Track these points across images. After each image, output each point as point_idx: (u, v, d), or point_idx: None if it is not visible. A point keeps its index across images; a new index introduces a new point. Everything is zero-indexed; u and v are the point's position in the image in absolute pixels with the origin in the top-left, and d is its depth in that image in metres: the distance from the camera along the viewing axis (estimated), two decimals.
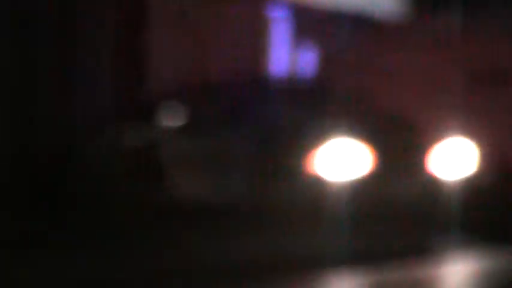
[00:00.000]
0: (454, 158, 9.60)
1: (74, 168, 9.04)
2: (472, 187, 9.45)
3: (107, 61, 9.63)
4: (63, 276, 5.68)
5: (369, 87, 10.68)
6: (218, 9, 10.55)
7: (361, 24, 12.29)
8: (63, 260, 6.17)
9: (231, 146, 9.27)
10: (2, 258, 5.82)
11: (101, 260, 6.31)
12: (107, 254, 6.58)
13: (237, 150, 9.17)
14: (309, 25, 12.02)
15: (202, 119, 9.72)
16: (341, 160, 8.74)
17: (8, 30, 8.58)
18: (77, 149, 9.14)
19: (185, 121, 9.67)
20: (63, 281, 5.60)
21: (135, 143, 9.17)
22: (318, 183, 8.67)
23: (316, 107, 9.80)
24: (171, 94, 10.15)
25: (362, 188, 8.70)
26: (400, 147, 9.27)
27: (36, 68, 8.93)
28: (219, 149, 9.28)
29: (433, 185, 9.12)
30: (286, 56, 11.72)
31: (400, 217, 8.25)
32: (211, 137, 9.47)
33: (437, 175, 9.23)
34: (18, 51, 8.66)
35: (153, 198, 8.81)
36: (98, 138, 9.21)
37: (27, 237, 7.03)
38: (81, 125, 9.01)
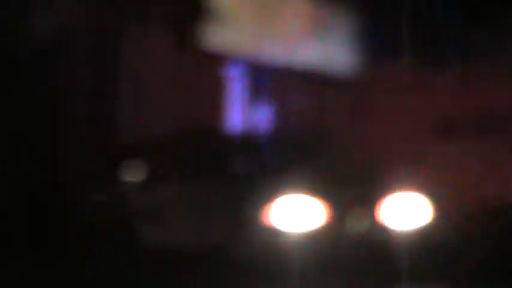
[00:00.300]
0: (406, 211, 9.94)
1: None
2: (424, 239, 9.76)
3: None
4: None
5: (324, 141, 11.07)
6: (185, 67, 11.03)
7: (318, 79, 12.72)
8: None
9: (187, 199, 9.62)
10: None
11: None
12: None
13: (192, 203, 9.53)
14: (263, 82, 12.45)
15: (163, 174, 10.08)
16: (295, 213, 9.06)
17: None
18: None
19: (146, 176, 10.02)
20: None
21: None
22: (273, 234, 8.97)
23: (273, 161, 10.16)
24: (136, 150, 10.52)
25: (315, 240, 9.02)
26: (354, 200, 9.62)
27: None
28: (177, 201, 9.64)
29: (383, 236, 9.44)
30: (243, 111, 12.12)
31: (353, 268, 8.54)
32: (170, 190, 9.80)
33: (388, 227, 9.56)
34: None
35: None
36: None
37: None
38: None
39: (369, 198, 9.82)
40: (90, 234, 9.01)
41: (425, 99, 12.23)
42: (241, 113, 12.07)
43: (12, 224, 8.58)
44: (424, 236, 9.75)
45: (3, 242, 8.21)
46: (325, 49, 12.76)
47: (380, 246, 9.38)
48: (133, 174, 9.87)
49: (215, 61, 11.60)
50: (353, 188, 9.80)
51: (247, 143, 11.34)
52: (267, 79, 12.48)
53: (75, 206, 9.42)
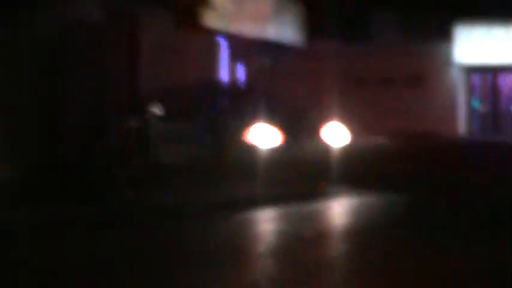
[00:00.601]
0: (335, 134, 14.80)
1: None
2: (347, 153, 14.64)
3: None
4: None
5: (280, 91, 16.54)
6: (186, 40, 15.99)
7: (276, 48, 18.25)
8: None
9: (191, 128, 14.51)
10: None
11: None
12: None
13: (195, 130, 14.42)
14: (241, 49, 17.80)
15: (174, 111, 14.86)
16: (264, 135, 13.95)
17: None
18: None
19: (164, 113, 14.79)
20: None
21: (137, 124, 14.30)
22: (249, 149, 13.75)
23: (248, 103, 15.13)
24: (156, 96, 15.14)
25: (278, 153, 13.92)
26: (301, 128, 14.59)
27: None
28: (184, 129, 14.49)
29: (324, 150, 14.31)
30: (227, 69, 17.33)
31: (302, 172, 13.31)
32: (179, 122, 14.60)
33: (327, 144, 14.41)
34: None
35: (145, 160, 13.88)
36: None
37: None
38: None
39: (311, 126, 14.82)
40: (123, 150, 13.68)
41: (344, 64, 18.57)
42: (225, 71, 17.18)
43: None
44: (346, 150, 14.74)
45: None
46: (278, 27, 18.05)
47: (320, 156, 14.25)
48: (154, 111, 14.59)
49: (208, 34, 16.55)
50: (300, 121, 14.83)
51: (231, 91, 16.36)
52: (242, 47, 17.60)
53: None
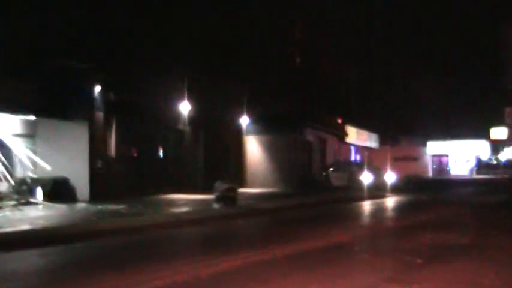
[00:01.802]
0: (391, 175, 46.16)
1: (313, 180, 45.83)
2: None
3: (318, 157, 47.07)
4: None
5: (371, 162, 49.61)
6: (337, 144, 48.77)
7: (369, 149, 52.88)
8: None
9: (344, 174, 46.02)
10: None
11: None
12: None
13: (345, 175, 45.85)
14: (358, 149, 51.22)
15: (340, 168, 46.64)
16: (366, 176, 45.59)
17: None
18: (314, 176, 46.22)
19: (334, 168, 46.61)
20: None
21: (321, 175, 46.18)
22: (361, 181, 45.12)
23: (361, 166, 47.38)
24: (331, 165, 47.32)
25: (372, 182, 45.51)
26: (379, 173, 46.29)
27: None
28: (341, 175, 46.08)
29: (385, 181, 45.72)
30: (353, 155, 50.78)
31: (379, 188, 44.71)
32: (339, 172, 46.26)
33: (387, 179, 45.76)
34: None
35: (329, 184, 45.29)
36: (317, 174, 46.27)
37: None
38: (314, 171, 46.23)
39: (382, 174, 46.57)
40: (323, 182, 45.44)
41: (392, 153, 51.56)
42: (352, 156, 49.87)
43: None
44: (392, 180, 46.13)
45: None
46: (370, 139, 51.56)
47: (383, 182, 45.66)
48: (329, 169, 46.67)
49: (347, 146, 49.32)
50: (379, 171, 46.51)
51: (354, 162, 48.59)
52: (358, 149, 50.50)
53: None
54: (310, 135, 45.37)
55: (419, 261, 12.14)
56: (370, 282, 10.21)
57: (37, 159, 25.89)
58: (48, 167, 25.49)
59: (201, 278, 10.47)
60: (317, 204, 29.01)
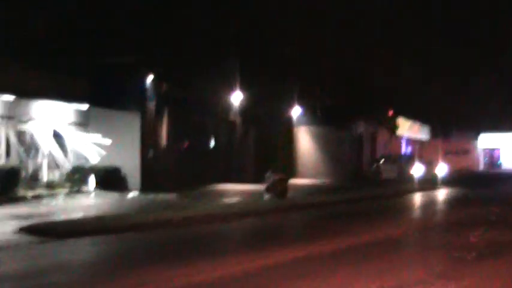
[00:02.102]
0: (443, 167, 45.95)
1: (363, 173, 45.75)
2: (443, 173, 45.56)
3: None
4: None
5: (421, 155, 49.17)
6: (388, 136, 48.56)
7: (420, 141, 52.70)
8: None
9: (394, 167, 45.88)
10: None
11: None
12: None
13: (396, 167, 45.74)
14: (409, 143, 51.10)
15: (390, 161, 46.55)
16: (417, 169, 45.42)
17: None
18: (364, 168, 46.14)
19: (385, 161, 46.53)
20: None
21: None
22: (411, 174, 44.97)
23: (411, 159, 47.15)
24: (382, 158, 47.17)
25: (424, 174, 45.24)
26: (431, 165, 45.99)
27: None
28: (392, 167, 45.90)
29: (435, 173, 45.49)
30: (404, 148, 50.56)
31: (428, 181, 44.55)
32: (389, 164, 46.18)
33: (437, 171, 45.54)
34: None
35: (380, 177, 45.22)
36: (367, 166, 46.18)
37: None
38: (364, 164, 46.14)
39: (434, 166, 46.27)
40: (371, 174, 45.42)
41: (443, 146, 51.15)
42: (402, 149, 49.66)
43: None
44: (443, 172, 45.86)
45: None
46: (422, 132, 51.38)
47: (434, 174, 45.47)
48: (381, 162, 46.54)
49: (398, 138, 49.13)
50: (432, 163, 46.26)
51: (405, 155, 48.45)
52: (409, 142, 50.32)
53: None
54: (361, 127, 45.45)
55: (468, 256, 12.06)
56: (419, 277, 10.18)
57: (90, 148, 26.31)
58: (100, 156, 25.90)
59: (249, 272, 10.54)
60: (366, 197, 29.06)
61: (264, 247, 13.40)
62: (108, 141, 26.32)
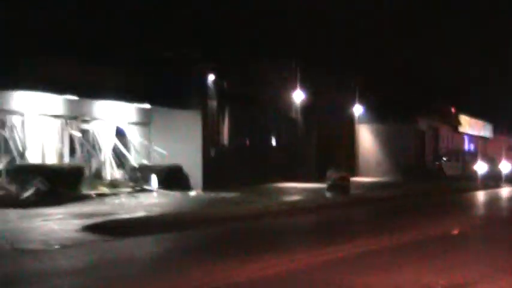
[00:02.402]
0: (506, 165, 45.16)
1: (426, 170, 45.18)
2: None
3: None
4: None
5: (484, 152, 48.56)
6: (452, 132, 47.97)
7: (482, 138, 52.07)
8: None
9: (457, 164, 45.23)
10: None
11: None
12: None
13: (459, 164, 45.08)
14: (471, 139, 50.57)
15: (453, 158, 45.88)
16: (480, 166, 44.73)
17: None
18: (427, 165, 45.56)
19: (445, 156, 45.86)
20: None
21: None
22: (474, 171, 44.30)
23: (474, 155, 46.39)
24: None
25: (487, 171, 44.60)
26: (494, 163, 45.28)
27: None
28: (454, 163, 45.24)
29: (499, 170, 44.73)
30: (466, 144, 49.88)
31: (495, 179, 43.75)
32: (452, 162, 45.57)
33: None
34: None
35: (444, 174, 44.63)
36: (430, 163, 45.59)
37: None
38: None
39: (497, 163, 45.52)
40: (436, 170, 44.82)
41: (507, 143, 50.14)
42: (465, 145, 48.93)
43: None
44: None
45: None
46: (485, 130, 50.58)
47: (498, 171, 44.72)
48: (443, 158, 45.95)
49: (461, 135, 48.38)
50: (494, 161, 45.49)
51: (468, 152, 47.64)
52: (471, 139, 49.55)
53: None
54: (423, 124, 45.06)
55: None
56: (486, 273, 10.01)
57: (152, 147, 26.45)
58: (162, 155, 26.02)
59: (315, 266, 10.46)
60: (430, 193, 28.84)
61: (330, 241, 13.43)
62: (169, 140, 26.39)
